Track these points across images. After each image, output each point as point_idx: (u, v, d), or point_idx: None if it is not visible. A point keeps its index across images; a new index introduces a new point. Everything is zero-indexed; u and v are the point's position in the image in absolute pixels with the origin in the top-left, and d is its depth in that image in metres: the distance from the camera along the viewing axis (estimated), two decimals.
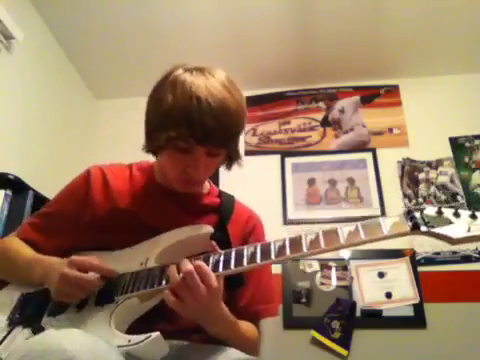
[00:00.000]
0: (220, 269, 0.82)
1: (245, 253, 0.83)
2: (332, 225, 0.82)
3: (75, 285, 0.84)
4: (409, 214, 0.77)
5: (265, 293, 1.07)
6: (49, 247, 1.00)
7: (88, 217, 1.00)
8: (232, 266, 0.82)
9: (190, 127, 0.87)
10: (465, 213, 0.74)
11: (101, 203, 1.01)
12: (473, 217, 0.73)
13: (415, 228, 0.75)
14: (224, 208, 1.08)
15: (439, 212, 0.76)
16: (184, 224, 0.99)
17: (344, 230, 0.79)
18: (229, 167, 1.05)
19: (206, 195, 1.11)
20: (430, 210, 0.77)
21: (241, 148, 2.65)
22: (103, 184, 1.04)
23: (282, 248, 0.81)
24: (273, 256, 0.80)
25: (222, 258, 0.84)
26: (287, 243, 0.81)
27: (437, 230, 0.74)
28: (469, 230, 0.72)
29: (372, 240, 0.77)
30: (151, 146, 0.99)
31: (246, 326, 0.98)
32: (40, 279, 0.90)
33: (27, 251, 0.99)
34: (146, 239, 0.96)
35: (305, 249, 0.79)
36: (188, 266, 0.79)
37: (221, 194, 1.14)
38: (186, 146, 0.91)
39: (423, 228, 0.74)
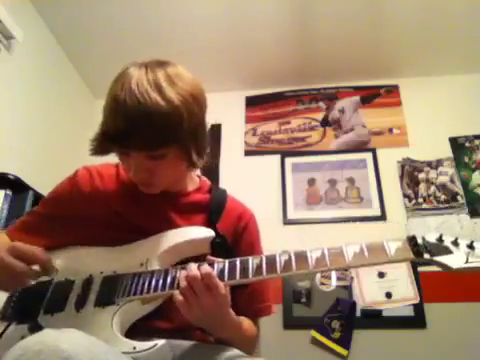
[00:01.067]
0: (225, 278, 0.82)
1: (250, 265, 0.83)
2: (337, 245, 0.83)
3: (7, 273, 0.80)
4: (412, 240, 0.81)
5: (262, 292, 1.06)
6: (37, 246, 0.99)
7: (76, 217, 1.00)
8: (237, 277, 0.82)
9: (106, 131, 0.86)
10: (463, 243, 0.79)
11: (88, 203, 1.01)
12: (470, 247, 0.78)
13: (418, 255, 0.80)
14: (214, 205, 1.06)
15: (440, 239, 0.81)
16: (172, 222, 0.98)
17: (349, 251, 0.82)
18: (195, 166, 0.97)
19: (195, 192, 1.08)
20: (431, 237, 0.82)
21: (241, 148, 2.64)
22: (90, 184, 1.03)
23: (288, 263, 0.82)
24: (279, 271, 0.81)
25: (227, 267, 0.83)
26: (293, 258, 0.82)
27: (438, 259, 0.79)
28: (467, 261, 0.77)
29: (376, 263, 0.81)
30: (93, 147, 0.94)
31: (247, 325, 0.99)
32: None
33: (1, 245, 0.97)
34: (136, 237, 0.96)
35: (311, 267, 0.81)
36: (194, 272, 0.78)
37: (212, 190, 1.11)
38: (123, 150, 0.89)
39: (426, 256, 0.79)
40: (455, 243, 0.80)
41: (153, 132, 0.83)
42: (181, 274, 0.81)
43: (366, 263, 0.80)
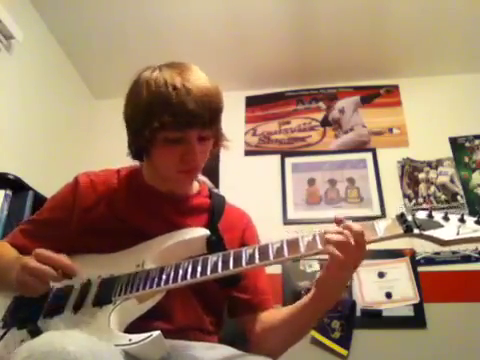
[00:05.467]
0: (219, 270, 0.83)
1: (244, 255, 0.84)
2: (328, 226, 0.84)
3: (33, 275, 0.83)
4: (402, 217, 0.81)
5: (264, 286, 1.07)
6: None
7: (77, 224, 1.00)
8: (231, 266, 0.83)
9: (173, 114, 0.88)
10: (454, 217, 0.79)
11: (89, 210, 1.01)
12: (462, 221, 0.78)
13: (408, 231, 0.79)
14: (215, 209, 1.08)
15: (430, 215, 0.81)
16: (175, 226, 0.99)
17: None
18: (217, 149, 1.05)
19: (196, 195, 1.10)
20: (421, 214, 0.81)
21: (241, 148, 2.65)
22: (91, 191, 1.03)
23: (280, 250, 0.83)
24: (271, 257, 0.82)
25: (220, 259, 0.85)
26: (285, 245, 0.83)
27: (428, 233, 0.78)
28: (458, 233, 0.77)
29: (367, 242, 0.80)
30: (137, 145, 0.98)
31: None
32: (16, 276, 0.89)
33: (11, 253, 0.99)
34: (137, 242, 0.96)
35: (303, 250, 0.82)
36: (358, 227, 0.80)
37: (211, 194, 1.13)
38: (177, 135, 0.91)
39: (415, 231, 0.79)
40: (445, 218, 0.80)
41: (215, 110, 0.93)
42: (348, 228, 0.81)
43: None
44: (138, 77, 0.98)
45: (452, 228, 0.78)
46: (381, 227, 0.81)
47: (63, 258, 0.86)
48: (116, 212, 1.01)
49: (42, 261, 0.84)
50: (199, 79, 0.92)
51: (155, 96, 0.90)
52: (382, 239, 0.80)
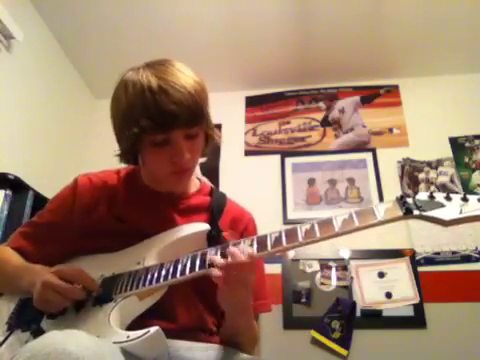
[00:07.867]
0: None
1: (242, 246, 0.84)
2: (327, 216, 0.82)
3: (56, 293, 0.83)
4: (402, 199, 0.78)
5: (258, 289, 1.06)
6: (40, 256, 1.00)
7: (78, 226, 1.00)
8: (229, 259, 0.82)
9: (150, 118, 0.87)
10: (456, 196, 0.76)
11: (89, 211, 1.01)
12: (464, 200, 0.75)
13: (408, 212, 0.76)
14: (215, 207, 1.07)
15: (431, 196, 0.78)
16: (174, 225, 0.99)
17: (338, 219, 0.80)
18: (208, 145, 1.03)
19: (196, 194, 1.10)
20: (422, 195, 0.79)
21: (241, 148, 2.65)
22: (91, 192, 1.03)
23: (278, 239, 0.82)
24: (269, 248, 0.81)
25: (219, 252, 0.84)
26: (283, 234, 0.82)
27: (429, 213, 0.75)
28: (461, 212, 0.74)
29: (366, 226, 0.78)
30: (125, 150, 0.98)
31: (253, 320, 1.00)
32: (27, 287, 0.90)
33: (16, 260, 0.99)
34: (136, 242, 0.96)
35: (301, 239, 0.80)
36: (242, 256, 0.80)
37: (212, 192, 1.13)
38: (162, 137, 0.90)
39: (416, 212, 0.76)
40: (448, 197, 0.77)
41: (196, 107, 0.90)
42: (216, 258, 0.82)
43: (355, 228, 0.78)
44: (120, 79, 0.97)
45: (454, 207, 0.75)
46: (381, 210, 0.78)
47: (86, 276, 0.88)
48: (116, 213, 1.00)
49: (63, 278, 0.85)
50: (177, 78, 0.90)
51: (132, 101, 0.90)
52: (382, 222, 0.77)
